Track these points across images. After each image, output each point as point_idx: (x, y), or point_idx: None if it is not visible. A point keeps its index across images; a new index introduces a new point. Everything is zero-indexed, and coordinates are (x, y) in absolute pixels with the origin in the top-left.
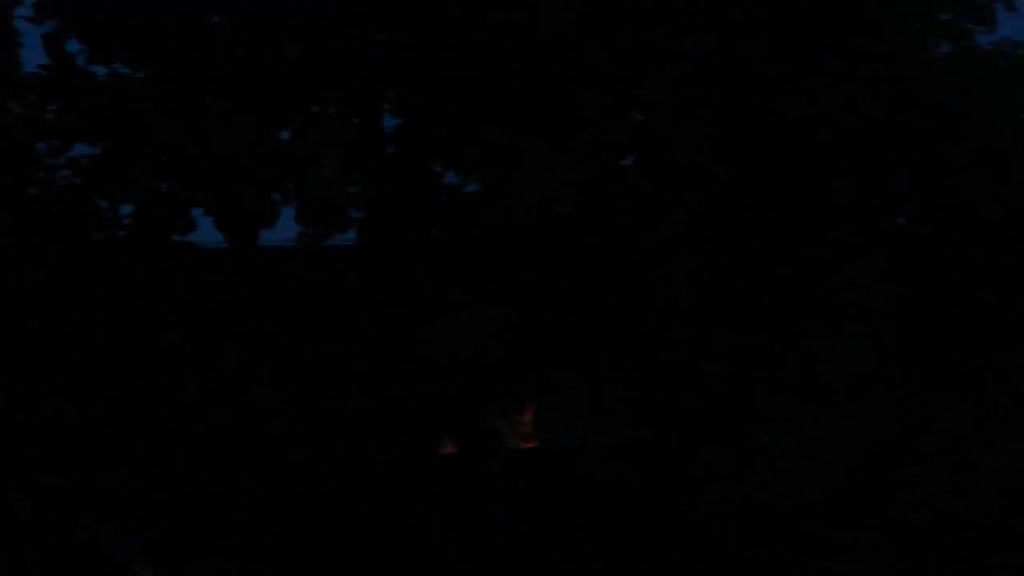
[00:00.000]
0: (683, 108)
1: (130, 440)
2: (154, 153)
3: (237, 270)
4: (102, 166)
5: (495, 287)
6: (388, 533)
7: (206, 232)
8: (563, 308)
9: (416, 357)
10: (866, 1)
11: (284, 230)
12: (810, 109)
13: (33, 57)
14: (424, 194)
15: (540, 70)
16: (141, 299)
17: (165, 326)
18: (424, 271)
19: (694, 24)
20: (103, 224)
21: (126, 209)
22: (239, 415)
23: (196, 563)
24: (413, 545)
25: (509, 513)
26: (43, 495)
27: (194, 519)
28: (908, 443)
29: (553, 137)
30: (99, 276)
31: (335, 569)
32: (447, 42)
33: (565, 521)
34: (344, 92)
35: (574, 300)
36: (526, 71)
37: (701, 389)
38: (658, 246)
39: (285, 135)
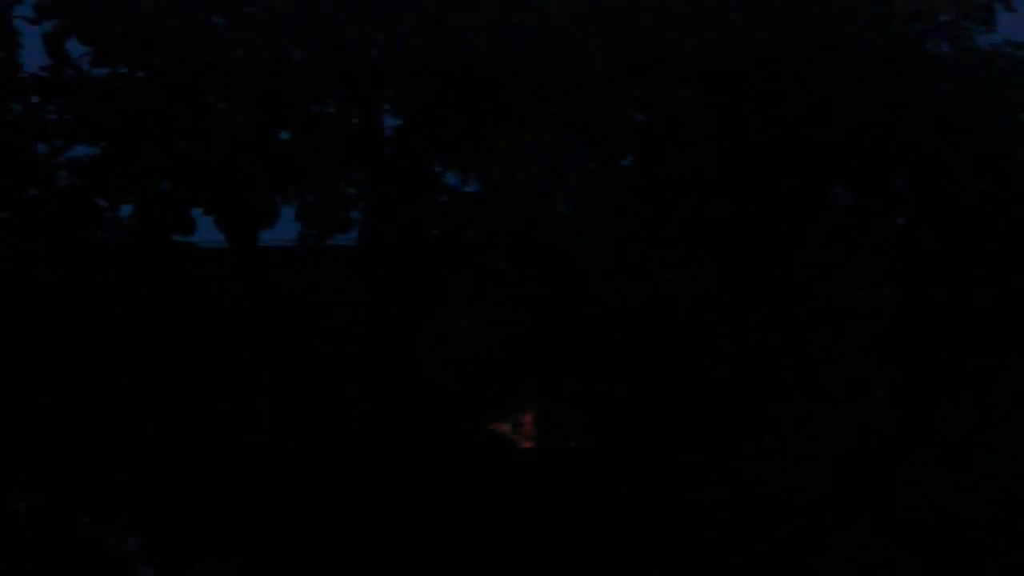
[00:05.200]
0: (683, 109)
1: (131, 441)
2: (154, 153)
3: (237, 270)
4: (102, 166)
5: (495, 287)
6: (388, 532)
7: (206, 232)
8: (563, 308)
9: (416, 357)
10: (866, 1)
11: (284, 230)
12: (810, 110)
13: (33, 57)
14: (424, 194)
15: (540, 71)
16: (141, 299)
17: (165, 326)
18: (423, 271)
19: (694, 25)
20: (103, 224)
21: (126, 209)
22: (239, 415)
23: (196, 563)
24: (413, 544)
25: (509, 512)
26: (43, 495)
27: (194, 519)
28: (908, 443)
29: (553, 137)
30: (99, 276)
31: (335, 568)
32: (448, 43)
33: (565, 520)
34: (344, 92)
35: (574, 300)
36: (526, 72)
37: (701, 389)
38: (658, 246)
39: (285, 135)
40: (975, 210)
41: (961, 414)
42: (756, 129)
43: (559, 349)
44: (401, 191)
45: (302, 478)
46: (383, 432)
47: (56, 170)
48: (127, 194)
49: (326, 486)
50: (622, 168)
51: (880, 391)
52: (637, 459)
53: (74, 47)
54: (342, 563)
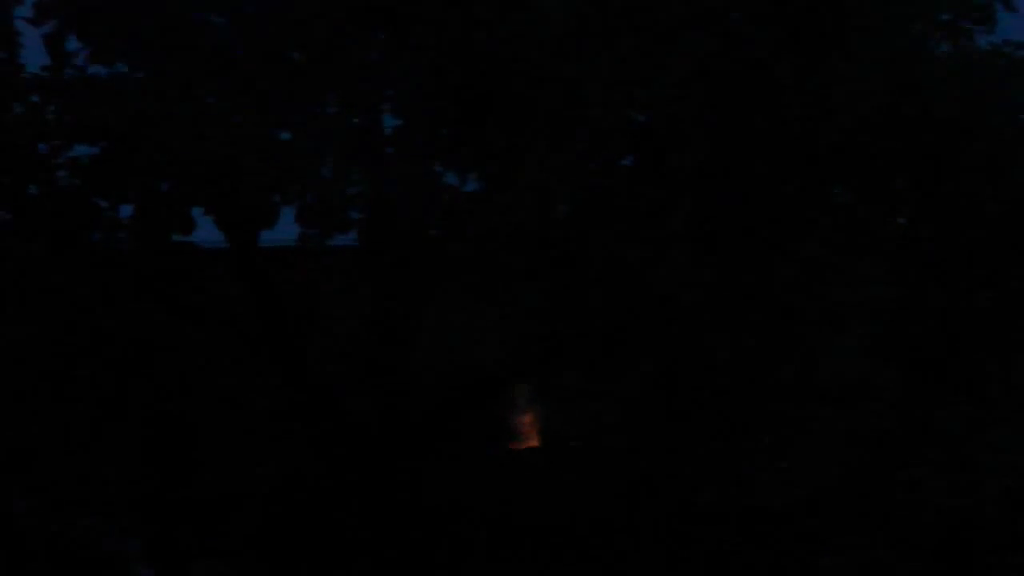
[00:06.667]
0: (683, 109)
1: (130, 440)
2: (154, 153)
3: (237, 270)
4: (102, 166)
5: (495, 287)
6: (388, 532)
7: (206, 232)
8: (563, 308)
9: (416, 357)
10: (867, 2)
11: (284, 230)
12: (810, 110)
13: (33, 57)
14: (424, 194)
15: (541, 70)
16: (141, 299)
17: (165, 326)
18: (424, 272)
19: (695, 25)
20: (103, 224)
21: (126, 209)
22: (239, 415)
23: (196, 563)
24: (412, 544)
25: (508, 512)
26: (43, 495)
27: (194, 519)
28: (908, 443)
29: (553, 137)
30: (99, 276)
31: (335, 569)
32: (448, 43)
33: (564, 520)
34: (344, 92)
35: (574, 300)
36: (527, 71)
37: (701, 389)
38: (658, 246)
39: (285, 135)
40: (975, 210)
41: (961, 414)
42: (756, 129)
43: (559, 349)
44: (401, 191)
45: (302, 478)
46: (383, 432)
47: (56, 170)
48: (127, 194)
49: (326, 486)
50: (622, 168)
51: (880, 391)
52: (637, 460)
53: (74, 47)
54: (342, 563)
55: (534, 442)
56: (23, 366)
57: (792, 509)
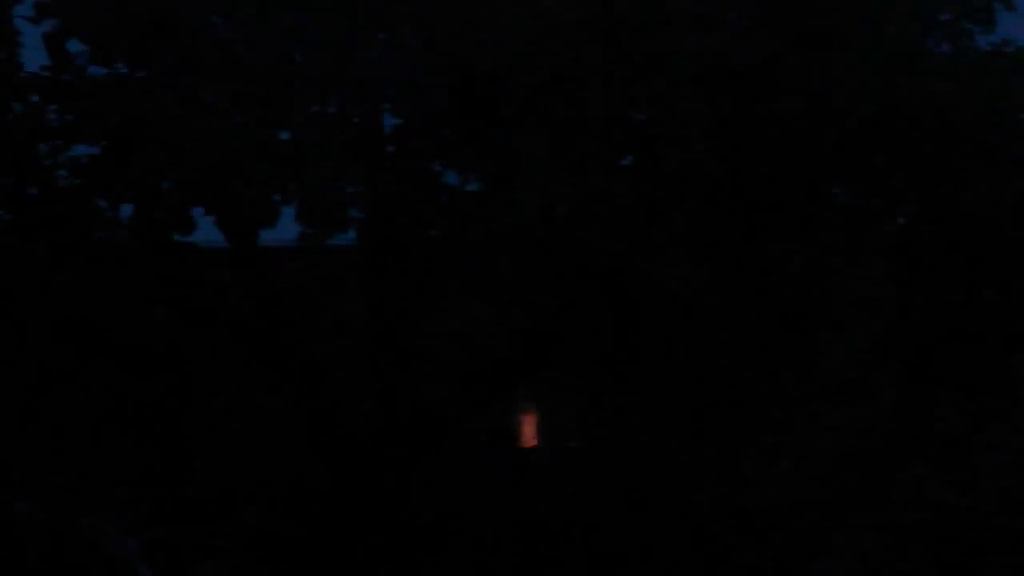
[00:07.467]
0: (683, 109)
1: (131, 441)
2: (154, 153)
3: (237, 270)
4: (102, 166)
5: (495, 287)
6: (387, 532)
7: (206, 232)
8: (563, 308)
9: (416, 357)
10: (866, 1)
11: (284, 230)
12: (810, 110)
13: (33, 57)
14: (424, 194)
15: (541, 71)
16: (141, 299)
17: (165, 326)
18: (424, 271)
19: (694, 25)
20: (103, 224)
21: (126, 209)
22: (239, 415)
23: (196, 563)
24: (412, 544)
25: (508, 513)
26: (43, 495)
27: (194, 519)
28: (908, 443)
29: (554, 137)
30: (100, 276)
31: (335, 569)
32: (448, 43)
33: (564, 520)
34: (344, 92)
35: (574, 300)
36: (527, 72)
37: (701, 389)
38: (658, 246)
39: (285, 135)
40: (975, 210)
41: (961, 414)
42: (757, 129)
43: (559, 349)
44: (401, 191)
45: (301, 478)
46: (382, 431)
47: (56, 170)
48: (127, 194)
49: (325, 485)
50: (622, 168)
51: (880, 390)
52: (637, 459)
53: (74, 47)
54: (341, 563)
55: (534, 442)
56: (24, 366)
57: (792, 509)
